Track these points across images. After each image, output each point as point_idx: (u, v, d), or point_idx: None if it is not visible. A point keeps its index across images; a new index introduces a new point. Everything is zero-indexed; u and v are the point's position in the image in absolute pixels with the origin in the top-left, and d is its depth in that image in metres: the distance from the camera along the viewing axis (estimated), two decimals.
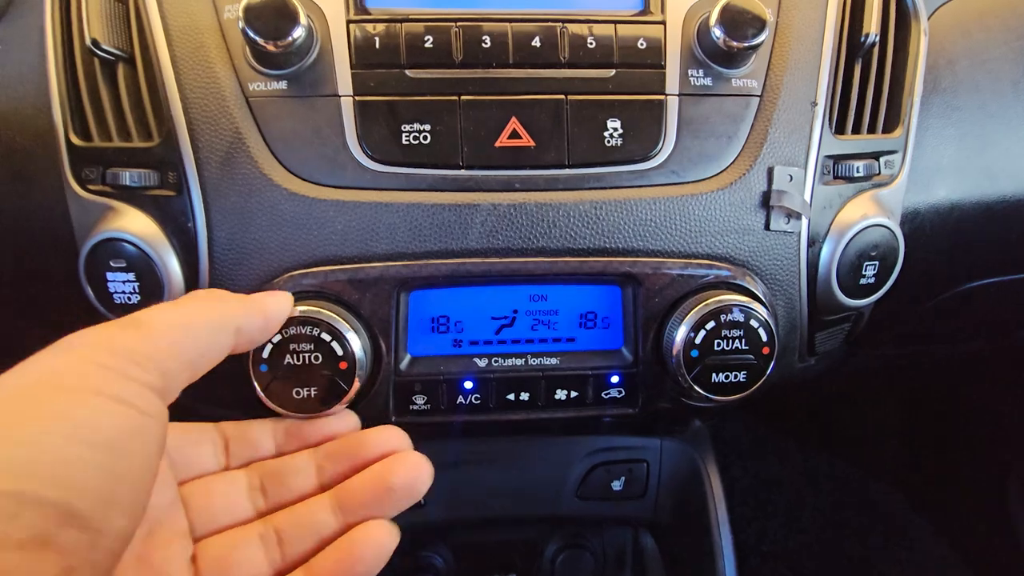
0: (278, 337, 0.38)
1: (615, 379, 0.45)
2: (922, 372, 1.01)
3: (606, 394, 0.45)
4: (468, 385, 0.44)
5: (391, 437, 0.36)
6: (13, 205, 0.46)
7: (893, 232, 0.47)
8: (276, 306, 0.36)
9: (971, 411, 1.01)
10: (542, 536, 0.75)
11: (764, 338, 0.41)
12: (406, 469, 0.35)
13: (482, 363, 0.44)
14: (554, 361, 0.45)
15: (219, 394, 0.51)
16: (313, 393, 0.39)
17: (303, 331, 0.38)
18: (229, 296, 0.33)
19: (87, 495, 0.22)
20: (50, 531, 0.21)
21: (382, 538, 0.34)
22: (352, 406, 0.42)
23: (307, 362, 0.39)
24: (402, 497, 0.34)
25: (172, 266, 0.41)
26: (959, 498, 1.04)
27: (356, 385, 0.39)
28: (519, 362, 0.44)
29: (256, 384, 0.39)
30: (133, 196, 0.42)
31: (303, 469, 0.36)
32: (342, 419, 0.39)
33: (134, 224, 0.42)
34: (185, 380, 0.30)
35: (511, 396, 0.45)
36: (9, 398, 0.24)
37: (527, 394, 0.45)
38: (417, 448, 0.62)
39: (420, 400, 0.44)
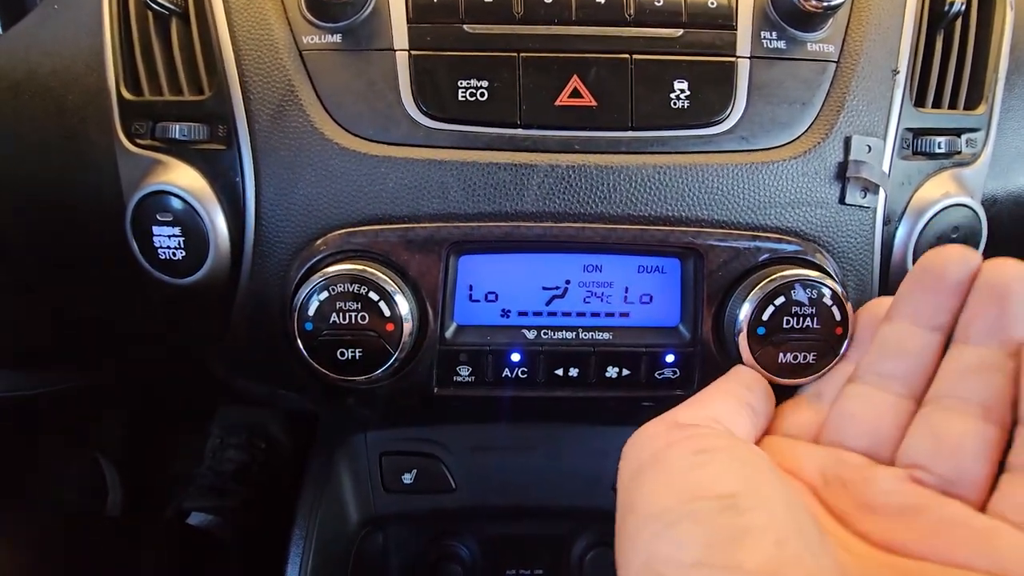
0: (325, 295, 0.37)
1: (670, 358, 0.42)
2: None
3: (660, 374, 0.43)
4: (515, 358, 0.42)
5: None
6: (63, 163, 0.46)
7: (976, 213, 0.44)
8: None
9: None
10: (571, 532, 0.72)
11: (838, 317, 0.38)
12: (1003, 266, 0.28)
13: (531, 335, 0.42)
14: (607, 336, 0.42)
15: (256, 362, 0.50)
16: (358, 355, 0.38)
17: (351, 289, 0.37)
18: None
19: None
20: None
21: None
22: (395, 374, 0.41)
23: (353, 322, 0.37)
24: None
25: (218, 221, 0.40)
26: None
27: (401, 348, 0.38)
28: (570, 336, 0.42)
29: (300, 342, 0.37)
30: (182, 150, 0.41)
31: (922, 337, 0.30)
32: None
33: (182, 178, 0.41)
34: None
35: (559, 371, 0.42)
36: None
37: (576, 370, 0.42)
38: (454, 431, 0.61)
39: (465, 371, 0.42)
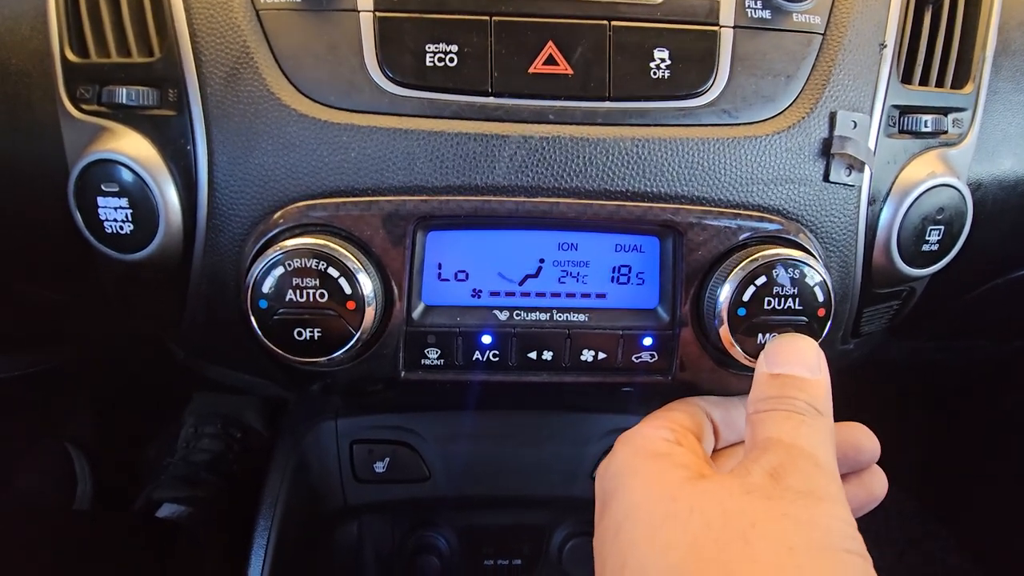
0: (280, 270, 0.35)
1: (648, 341, 0.41)
2: (951, 372, 0.96)
3: (637, 358, 0.41)
4: (486, 340, 0.40)
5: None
6: (7, 131, 0.43)
7: (962, 194, 0.42)
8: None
9: (1001, 416, 0.96)
10: (551, 521, 0.71)
11: (820, 298, 0.37)
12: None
13: (502, 316, 0.40)
14: (582, 318, 0.40)
15: (216, 346, 0.48)
16: (316, 335, 0.36)
17: (308, 264, 0.35)
18: None
19: None
20: None
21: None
22: (357, 356, 0.39)
23: (311, 300, 0.35)
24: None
25: (168, 193, 0.38)
26: (983, 509, 0.98)
27: (364, 328, 0.36)
28: (543, 317, 0.40)
29: (253, 321, 0.35)
30: (130, 116, 0.38)
31: None
32: None
33: (129, 146, 0.38)
34: None
35: (532, 354, 0.40)
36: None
37: (550, 353, 0.40)
38: (427, 419, 0.58)
39: (433, 354, 0.40)
